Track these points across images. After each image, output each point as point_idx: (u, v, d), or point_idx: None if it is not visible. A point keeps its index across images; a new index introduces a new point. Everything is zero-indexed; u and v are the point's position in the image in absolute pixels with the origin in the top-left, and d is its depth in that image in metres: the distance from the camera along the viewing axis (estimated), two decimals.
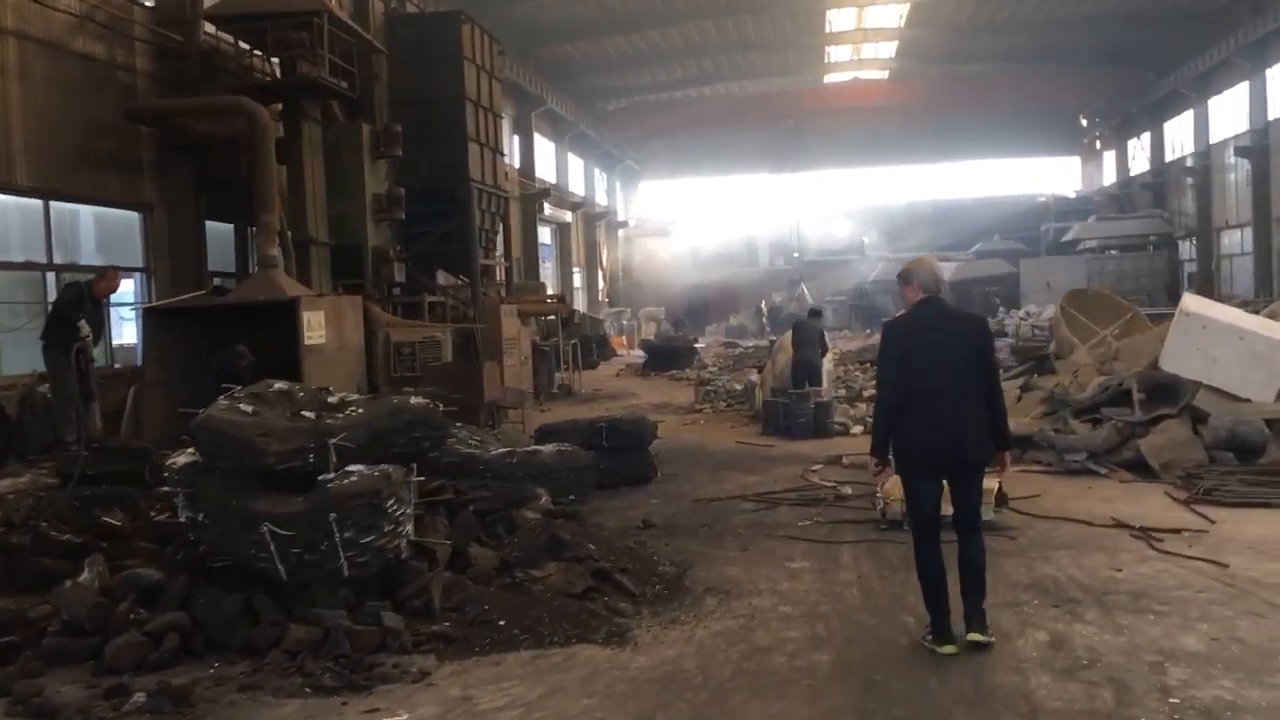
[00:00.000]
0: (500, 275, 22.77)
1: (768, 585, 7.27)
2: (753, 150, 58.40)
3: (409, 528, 6.77)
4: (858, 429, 15.07)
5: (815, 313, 17.61)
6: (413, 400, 7.14)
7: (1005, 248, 53.35)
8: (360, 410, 6.98)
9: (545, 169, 45.06)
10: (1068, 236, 49.09)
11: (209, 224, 18.15)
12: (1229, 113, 40.37)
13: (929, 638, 5.94)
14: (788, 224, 56.69)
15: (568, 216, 46.42)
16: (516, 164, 40.47)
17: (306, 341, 14.54)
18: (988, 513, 8.41)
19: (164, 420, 13.39)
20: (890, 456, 6.05)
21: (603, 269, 54.89)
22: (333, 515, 6.21)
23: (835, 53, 50.16)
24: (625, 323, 47.34)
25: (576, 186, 50.33)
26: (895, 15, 44.63)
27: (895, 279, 6.25)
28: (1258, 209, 36.92)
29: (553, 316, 25.12)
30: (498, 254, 22.82)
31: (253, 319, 15.01)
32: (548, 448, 10.64)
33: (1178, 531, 8.23)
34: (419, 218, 20.23)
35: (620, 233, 59.08)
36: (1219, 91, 40.84)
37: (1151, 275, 44.90)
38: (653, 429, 11.86)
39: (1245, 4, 36.33)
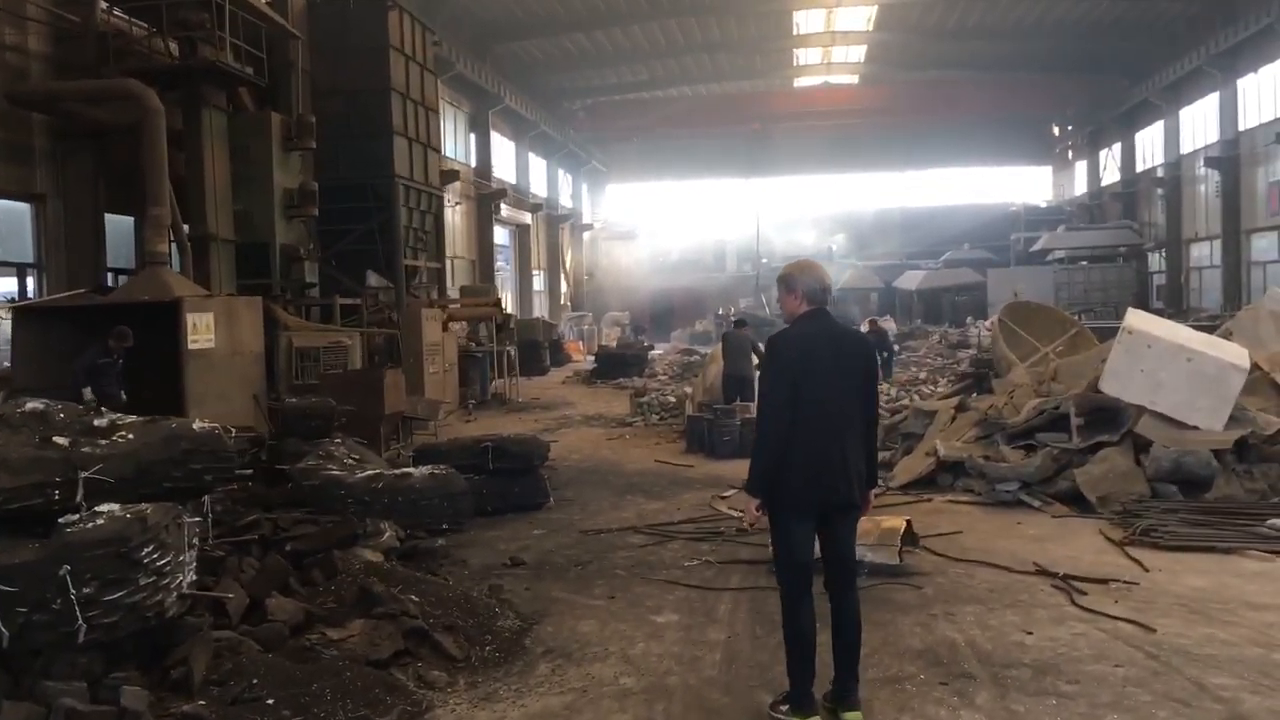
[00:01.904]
0: (424, 278, 21.56)
1: (620, 646, 6.20)
2: (721, 154, 57.51)
3: (184, 578, 5.65)
4: None
5: (741, 323, 16.56)
6: (195, 426, 6.02)
7: (974, 256, 52.63)
8: (129, 436, 5.86)
9: (504, 169, 43.93)
10: (1036, 246, 48.38)
11: (110, 217, 17.00)
12: (1200, 123, 39.67)
13: (785, 708, 4.94)
14: (754, 229, 55.66)
15: (527, 218, 45.32)
16: (473, 163, 39.37)
17: (190, 346, 13.46)
18: (892, 557, 7.44)
19: None
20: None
21: (565, 273, 53.76)
22: (66, 568, 5.09)
23: (804, 55, 49.26)
24: (585, 328, 46.23)
25: (538, 187, 49.22)
26: (863, 18, 43.75)
27: (776, 282, 5.18)
28: (1226, 221, 36.21)
29: (485, 321, 23.91)
30: (424, 256, 21.63)
31: (139, 321, 13.89)
32: (419, 471, 9.52)
33: (1105, 582, 7.20)
34: (340, 215, 19.16)
35: (585, 236, 58.02)
36: (1190, 101, 40.15)
37: (1120, 287, 44.14)
38: (544, 450, 10.77)
39: (1216, 13, 35.59)
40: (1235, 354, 9.80)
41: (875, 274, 53.69)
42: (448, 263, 35.09)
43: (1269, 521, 8.17)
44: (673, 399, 18.31)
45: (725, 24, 42.22)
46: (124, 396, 12.22)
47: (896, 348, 35.75)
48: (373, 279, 21.40)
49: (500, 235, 44.60)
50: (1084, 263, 46.36)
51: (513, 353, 23.90)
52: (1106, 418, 9.98)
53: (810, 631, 4.98)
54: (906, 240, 56.39)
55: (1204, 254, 39.66)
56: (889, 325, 41.80)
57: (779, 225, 56.43)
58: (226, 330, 14.21)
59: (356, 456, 10.69)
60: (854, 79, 53.33)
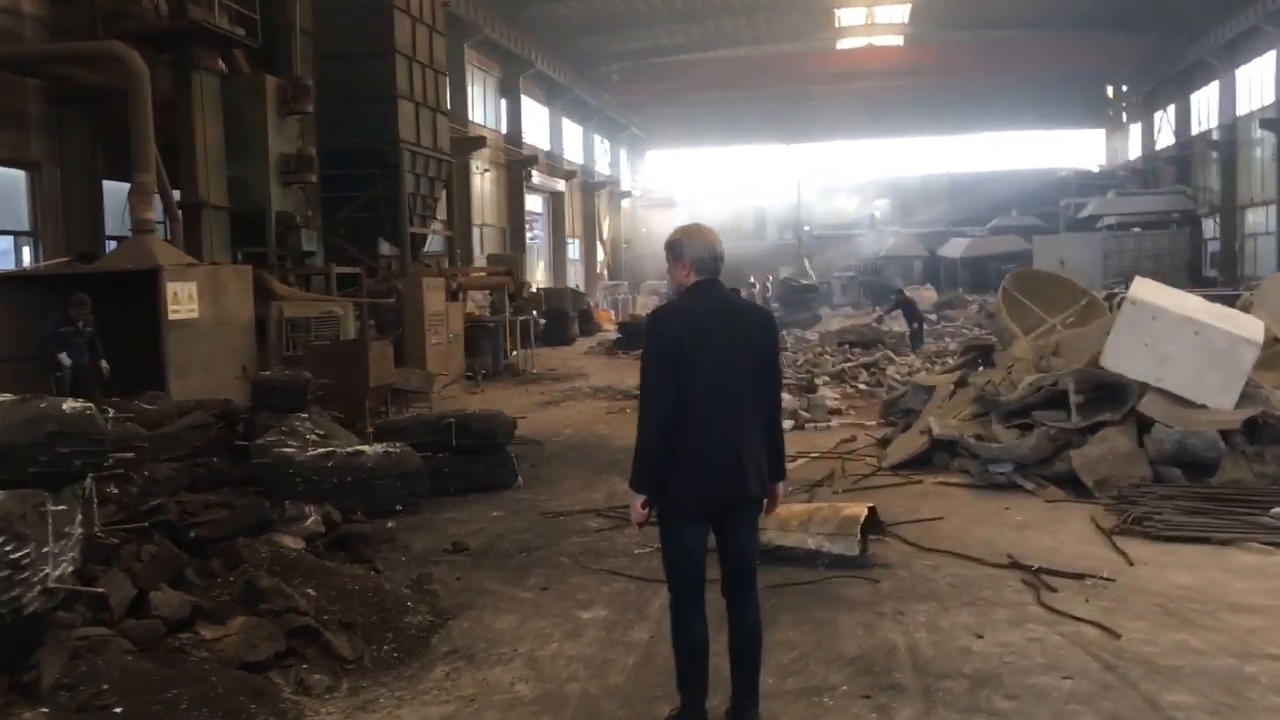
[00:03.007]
0: (430, 244, 21.13)
1: (530, 647, 5.71)
2: (761, 119, 56.47)
3: (51, 571, 5.23)
4: (787, 423, 13.41)
5: (734, 291, 15.83)
6: (65, 407, 5.56)
7: (1022, 223, 51.28)
8: None
9: (538, 135, 43.40)
10: (1086, 212, 46.98)
11: (109, 184, 16.71)
12: (1257, 84, 38.11)
13: None
14: (795, 196, 54.69)
15: (561, 185, 44.77)
16: (503, 129, 38.87)
17: (171, 315, 13.17)
18: (851, 547, 6.88)
19: None
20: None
21: (602, 241, 53.22)
22: None
23: (846, 16, 48.01)
24: (620, 297, 45.70)
25: (573, 154, 48.65)
26: None
27: (667, 249, 4.56)
28: None
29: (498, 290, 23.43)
30: (436, 222, 21.19)
31: (126, 291, 13.62)
32: (373, 449, 9.09)
33: (1081, 578, 6.58)
34: (345, 182, 18.75)
35: (624, 203, 57.40)
36: (1247, 61, 38.62)
37: (1172, 254, 42.74)
38: (509, 427, 10.27)
39: None
40: (1248, 326, 9.05)
41: (919, 241, 52.55)
42: (475, 230, 34.84)
43: (1273, 510, 7.48)
44: None
45: None
46: (105, 366, 11.96)
47: (934, 317, 34.97)
48: (385, 248, 21.03)
49: (534, 203, 44.13)
50: (1136, 229, 44.93)
51: (533, 322, 23.34)
52: (1109, 395, 9.28)
53: (701, 641, 4.46)
54: (953, 207, 55.15)
55: (1260, 220, 38.22)
56: (927, 294, 40.94)
57: (820, 191, 55.47)
58: (212, 299, 13.88)
59: (321, 432, 10.26)
60: (899, 40, 51.94)
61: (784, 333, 28.91)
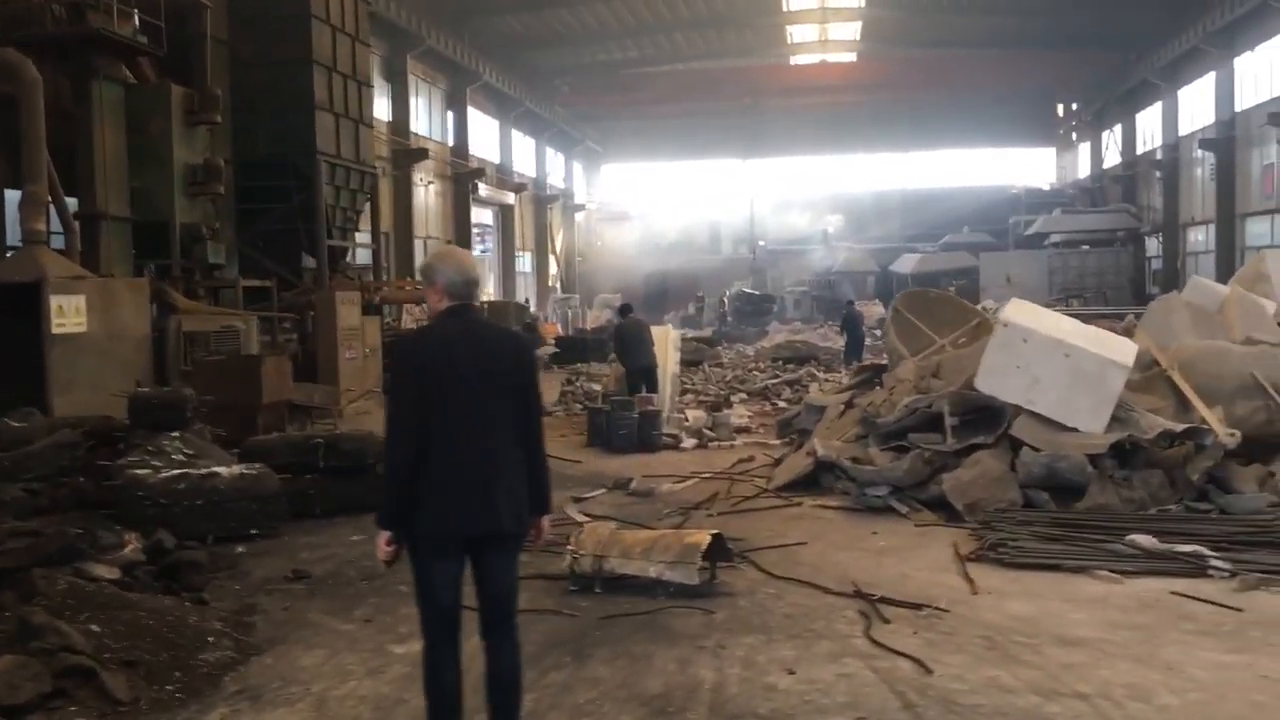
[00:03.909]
0: (353, 257, 20.84)
1: (325, 686, 5.45)
2: (716, 134, 56.45)
3: None
4: (690, 441, 13.27)
5: (628, 308, 15.71)
6: None
7: (973, 240, 51.52)
8: None
9: (488, 148, 43.18)
10: (1032, 229, 47.27)
11: (10, 194, 16.30)
12: (1198, 104, 38.46)
13: None
14: (749, 211, 54.74)
15: (510, 198, 44.51)
16: (450, 141, 38.61)
17: (55, 330, 12.84)
18: (691, 576, 6.67)
19: None
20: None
21: (555, 254, 52.98)
22: None
23: (798, 33, 48.15)
24: (571, 310, 45.46)
25: (525, 167, 48.44)
26: None
27: (420, 274, 4.33)
28: (1221, 205, 35.12)
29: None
30: (353, 236, 20.90)
31: (15, 304, 13.25)
32: (228, 471, 8.81)
33: (919, 607, 6.41)
34: (260, 193, 18.43)
35: (578, 217, 57.22)
36: (1189, 81, 38.97)
37: (1116, 272, 43.08)
38: (380, 447, 9.98)
39: None
40: (1120, 349, 8.95)
41: (871, 257, 52.67)
42: (419, 243, 34.55)
43: (1128, 537, 7.33)
44: (598, 387, 17.53)
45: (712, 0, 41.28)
46: None
47: (879, 332, 34.97)
48: (310, 261, 20.70)
49: (484, 216, 43.87)
50: (1085, 247, 45.21)
51: None
52: (987, 418, 9.15)
53: (451, 689, 4.25)
54: (906, 223, 55.36)
55: (1201, 239, 38.54)
56: (875, 309, 40.93)
57: (774, 206, 55.56)
58: (103, 313, 13.56)
59: (191, 452, 9.96)
60: (851, 56, 52.12)
61: (723, 348, 28.82)
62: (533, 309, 42.04)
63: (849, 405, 10.84)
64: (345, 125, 19.77)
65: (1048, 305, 32.26)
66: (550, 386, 20.78)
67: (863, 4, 43.45)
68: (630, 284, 51.33)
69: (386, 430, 4.18)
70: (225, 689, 5.43)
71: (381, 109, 32.49)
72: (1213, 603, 6.35)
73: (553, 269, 52.84)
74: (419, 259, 34.38)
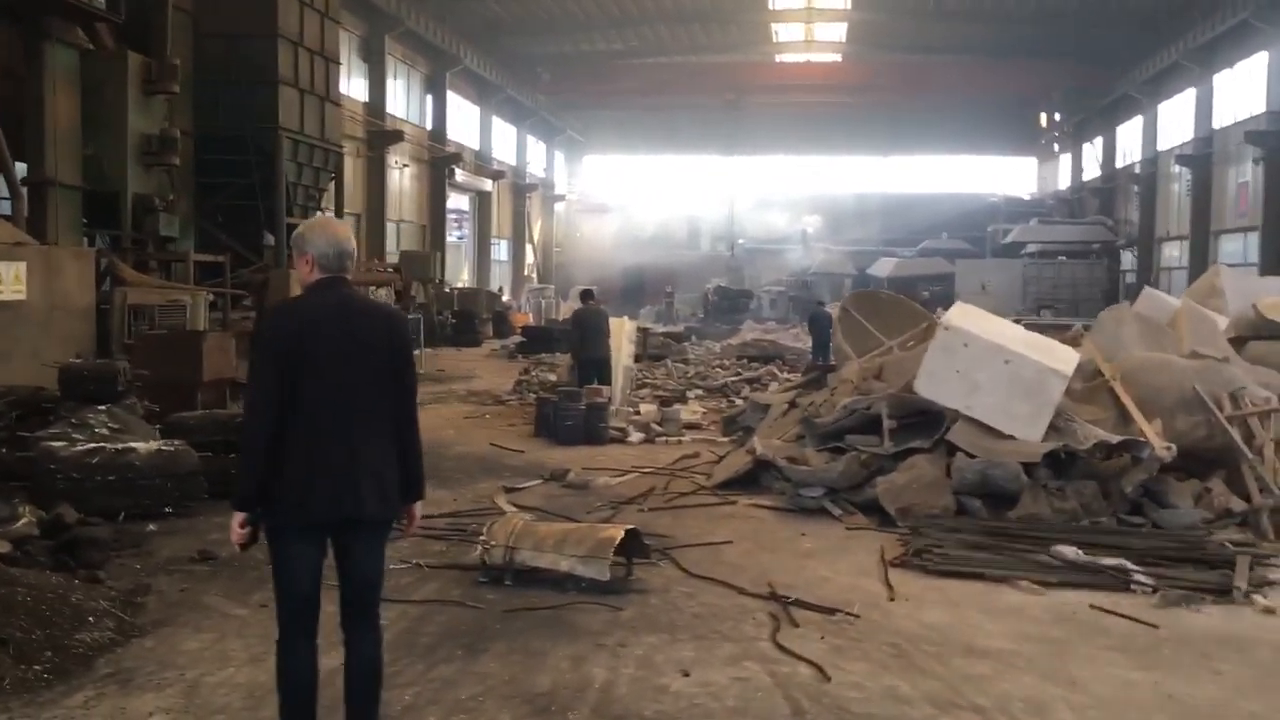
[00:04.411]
0: None
1: (203, 670, 5.26)
2: (698, 129, 56.27)
3: None
4: (637, 436, 13.08)
5: (589, 294, 15.49)
6: None
7: (951, 247, 51.53)
8: None
9: (467, 134, 42.88)
10: (1008, 239, 47.32)
11: None
12: (1177, 120, 38.52)
13: None
14: (729, 208, 54.61)
15: (488, 185, 44.20)
16: (429, 125, 38.31)
17: None
18: (602, 571, 6.49)
19: None
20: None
21: (532, 243, 52.72)
22: None
23: (784, 31, 47.92)
24: (545, 300, 45.19)
25: (505, 154, 48.14)
26: None
27: (292, 244, 4.13)
28: (1196, 221, 35.19)
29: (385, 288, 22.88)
30: (321, 212, 20.61)
31: None
32: (144, 447, 8.59)
33: (832, 612, 6.25)
34: (221, 166, 18.14)
35: (558, 207, 56.97)
36: (1169, 96, 39.04)
37: (1090, 284, 43.11)
38: None
39: (1196, 4, 34.35)
40: (1061, 358, 8.81)
41: (849, 259, 52.60)
42: (391, 225, 34.26)
43: (1053, 548, 7.19)
44: (554, 377, 17.33)
45: None
46: None
47: None
48: (271, 238, 20.42)
49: (460, 201, 43.60)
50: (1062, 258, 45.24)
51: (426, 321, 22.84)
52: (927, 421, 9.00)
53: (306, 679, 4.05)
54: (886, 227, 55.35)
55: (1175, 254, 38.62)
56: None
57: (754, 204, 55.42)
58: (44, 282, 13.25)
59: (116, 426, 9.73)
60: (836, 58, 51.97)
61: (691, 344, 28.63)
62: (506, 297, 41.84)
63: (793, 405, 10.68)
64: (310, 102, 19.50)
65: (1019, 315, 32.46)
66: (507, 374, 20.62)
67: (849, 6, 43.25)
68: (607, 276, 51.09)
69: (244, 407, 3.98)
70: (97, 671, 5.22)
71: (359, 89, 32.20)
72: (1130, 618, 6.21)
73: (530, 258, 52.57)
74: (390, 241, 34.14)
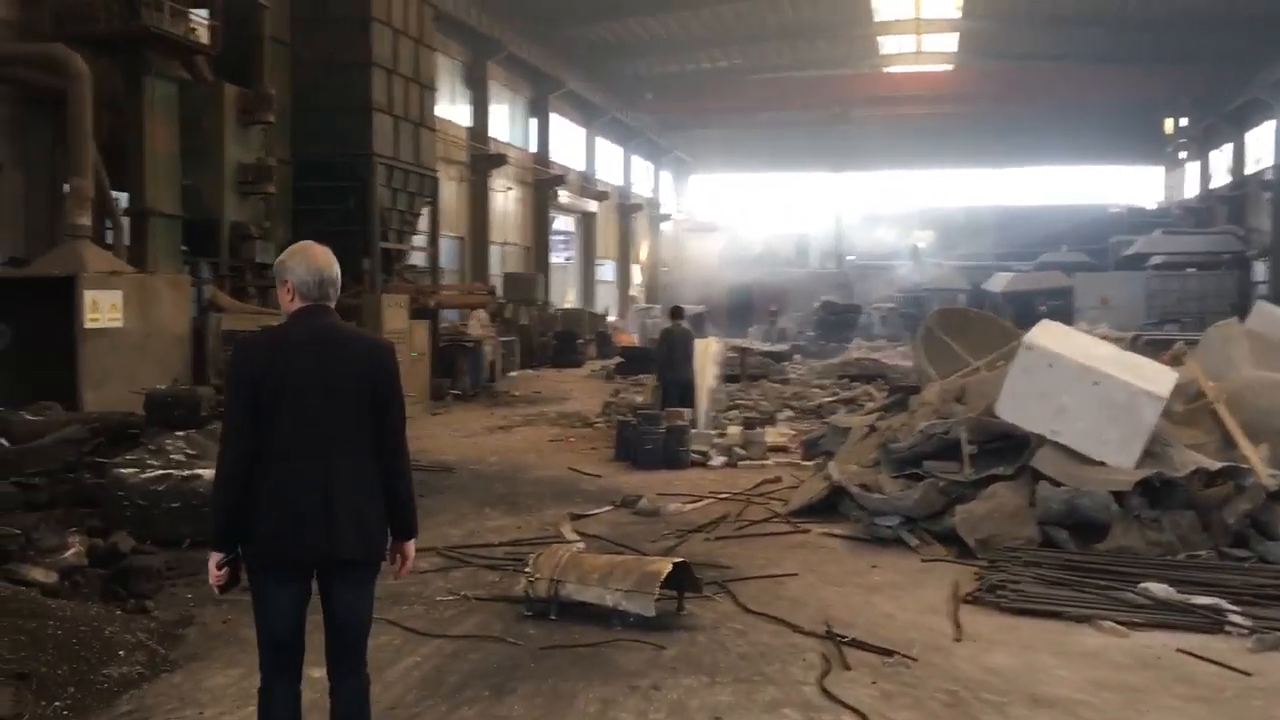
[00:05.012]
0: (410, 260, 20.76)
1: (222, 709, 5.15)
2: (804, 146, 55.52)
3: None
4: (719, 459, 12.74)
5: (678, 311, 15.16)
6: None
7: (1071, 260, 49.77)
8: None
9: (572, 156, 43.10)
10: (1131, 250, 45.39)
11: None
12: None
13: None
14: (836, 225, 53.82)
15: (592, 206, 44.33)
16: (532, 148, 38.62)
17: (89, 325, 12.87)
18: (647, 607, 6.20)
19: None
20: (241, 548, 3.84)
21: (638, 263, 52.72)
22: None
23: (892, 44, 47.08)
24: (650, 321, 45.06)
25: (611, 175, 48.27)
26: (952, 4, 41.61)
27: (275, 272, 3.97)
28: None
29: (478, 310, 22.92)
30: (412, 239, 20.85)
31: (53, 298, 13.34)
32: (210, 474, 8.58)
33: (889, 654, 5.85)
34: (318, 194, 18.44)
35: (664, 227, 56.90)
36: None
37: (1218, 296, 40.98)
38: None
39: None
40: (1156, 379, 8.21)
41: (962, 274, 51.26)
42: (496, 248, 34.59)
43: (1141, 585, 6.65)
44: (640, 399, 17.09)
45: (799, 7, 40.50)
46: None
47: None
48: (367, 264, 20.69)
49: (565, 223, 43.85)
50: (1189, 270, 43.28)
51: (525, 342, 22.89)
52: (1010, 447, 8.49)
53: None
54: (1001, 240, 53.74)
55: None
56: None
57: (862, 220, 54.49)
58: (140, 309, 13.58)
59: (193, 452, 9.81)
60: (947, 68, 50.78)
61: (793, 363, 28.13)
62: (612, 318, 41.85)
63: (874, 428, 10.23)
64: (405, 128, 19.71)
65: (1141, 329, 31.09)
66: (601, 396, 20.46)
67: (958, 15, 42.26)
68: (714, 295, 50.78)
69: (222, 440, 3.82)
70: (118, 707, 5.14)
71: (462, 114, 32.62)
72: (1220, 664, 5.66)
73: (636, 279, 52.57)
74: (494, 264, 34.45)
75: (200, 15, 16.85)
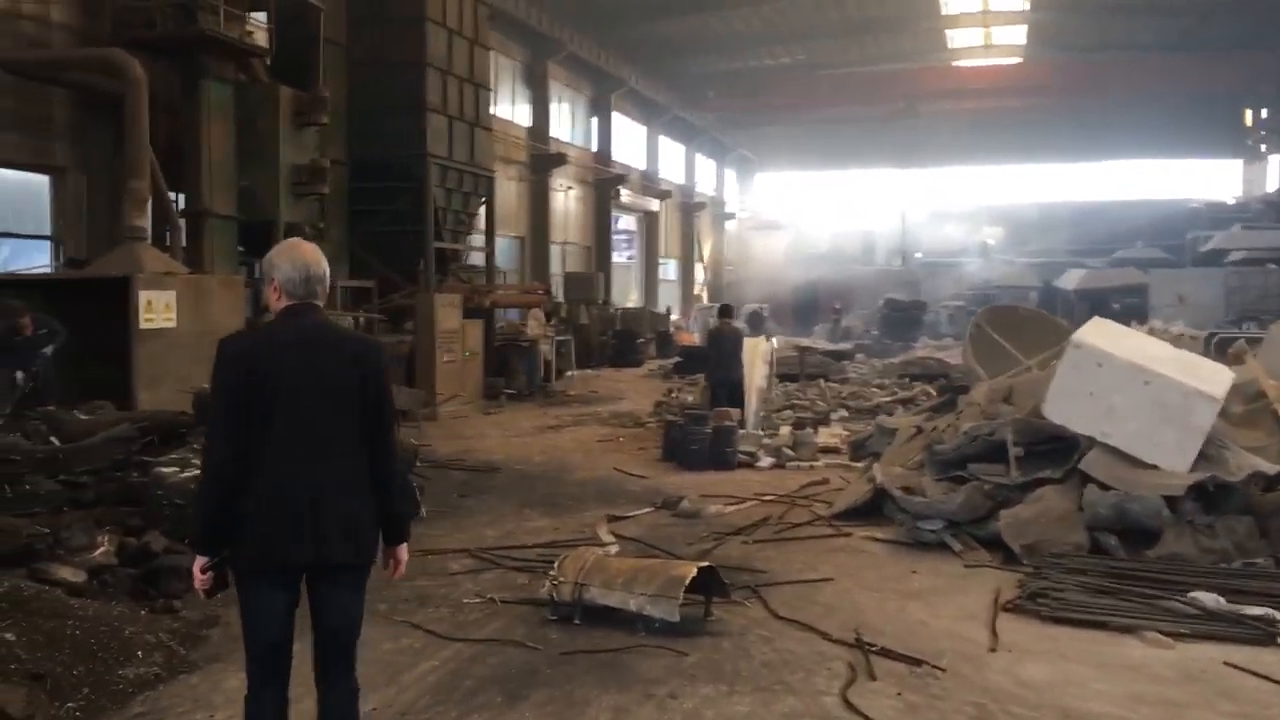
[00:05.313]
0: (469, 259, 20.82)
1: (232, 713, 5.05)
2: (870, 142, 54.82)
3: None
4: (767, 460, 12.54)
5: (727, 310, 14.99)
6: None
7: (1146, 256, 48.56)
8: None
9: (634, 154, 43.02)
10: (1209, 246, 44.15)
11: None
12: None
13: None
14: (902, 222, 53.06)
15: (654, 205, 44.21)
16: (593, 147, 38.63)
17: (143, 325, 13.04)
18: (671, 612, 6.07)
19: None
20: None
21: (701, 262, 52.50)
22: None
23: (959, 38, 46.27)
24: (712, 320, 44.80)
25: (673, 174, 48.12)
26: None
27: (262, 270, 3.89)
28: None
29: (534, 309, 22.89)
30: (468, 239, 20.91)
31: (108, 299, 13.56)
32: None
33: (918, 663, 5.65)
34: (373, 194, 18.56)
35: (729, 225, 56.62)
36: None
37: None
38: (411, 455, 9.68)
39: None
40: (1211, 378, 7.87)
41: (1033, 272, 50.27)
42: (556, 248, 34.65)
43: (1190, 594, 6.36)
44: (691, 398, 16.93)
45: (864, 4, 39.97)
46: (20, 376, 11.70)
47: None
48: (422, 264, 20.80)
49: (628, 222, 43.82)
50: (1270, 265, 41.94)
51: (568, 343, 22.91)
52: (1058, 449, 8.20)
53: None
54: (1073, 236, 52.60)
55: None
56: None
57: (929, 217, 53.68)
58: (193, 310, 13.72)
59: None
60: (1017, 60, 49.78)
61: (854, 362, 27.77)
62: (675, 317, 41.68)
63: (921, 429, 9.97)
64: (460, 128, 19.76)
65: (1219, 327, 30.15)
66: (656, 395, 20.33)
67: (1027, 6, 41.40)
68: (779, 294, 50.36)
69: (206, 444, 3.76)
70: (131, 709, 5.13)
71: (522, 114, 32.70)
72: (1268, 678, 5.38)
73: (700, 277, 52.35)
74: (555, 263, 34.50)
75: (257, 18, 17.05)
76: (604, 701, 5.18)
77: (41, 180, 16.28)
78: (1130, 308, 44.22)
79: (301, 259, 3.76)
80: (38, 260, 16.31)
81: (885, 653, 5.83)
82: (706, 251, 53.41)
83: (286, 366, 3.63)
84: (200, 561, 3.71)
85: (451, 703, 5.21)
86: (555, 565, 6.67)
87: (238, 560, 3.69)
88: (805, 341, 33.90)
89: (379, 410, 3.77)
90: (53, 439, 10.23)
